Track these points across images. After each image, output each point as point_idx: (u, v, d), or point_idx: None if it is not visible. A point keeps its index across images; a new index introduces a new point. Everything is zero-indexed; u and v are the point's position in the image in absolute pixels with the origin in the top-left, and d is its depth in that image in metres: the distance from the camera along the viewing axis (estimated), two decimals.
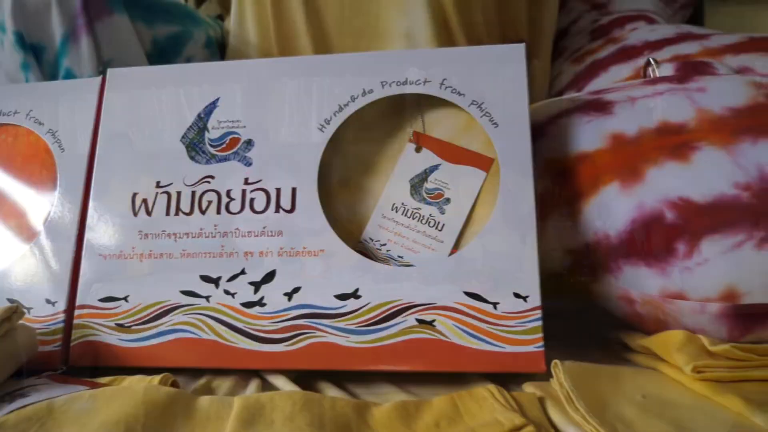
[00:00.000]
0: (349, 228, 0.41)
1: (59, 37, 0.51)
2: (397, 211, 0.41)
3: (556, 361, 0.35)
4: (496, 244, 0.37)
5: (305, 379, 0.38)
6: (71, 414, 0.31)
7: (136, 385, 0.34)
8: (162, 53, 0.58)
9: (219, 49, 0.65)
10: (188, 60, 0.61)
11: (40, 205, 0.43)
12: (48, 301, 0.41)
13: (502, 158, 0.39)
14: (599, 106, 0.43)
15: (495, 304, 0.36)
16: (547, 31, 0.67)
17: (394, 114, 0.43)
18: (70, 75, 0.51)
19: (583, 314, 0.48)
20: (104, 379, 0.37)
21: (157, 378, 0.36)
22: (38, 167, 0.44)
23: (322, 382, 0.38)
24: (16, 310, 0.37)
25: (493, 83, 0.40)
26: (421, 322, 0.37)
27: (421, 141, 0.42)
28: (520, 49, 0.41)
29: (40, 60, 0.51)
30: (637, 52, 0.62)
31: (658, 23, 0.71)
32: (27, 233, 0.43)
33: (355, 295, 0.38)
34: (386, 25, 0.58)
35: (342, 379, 0.39)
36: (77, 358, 0.39)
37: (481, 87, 0.40)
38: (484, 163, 0.40)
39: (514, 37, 0.62)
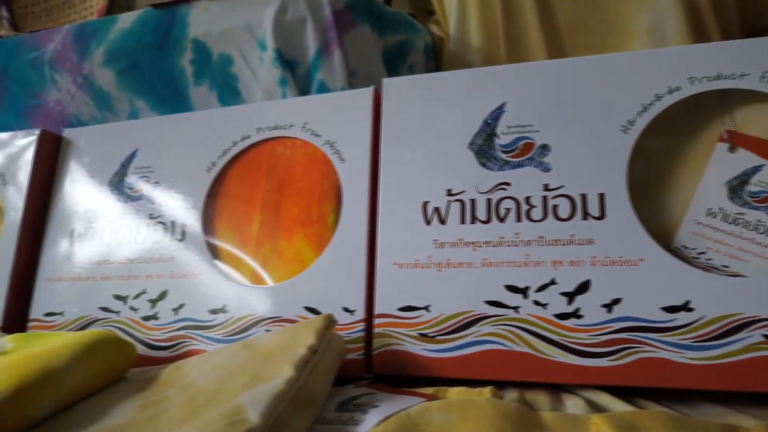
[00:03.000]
0: (655, 235, 0.38)
1: (313, 52, 0.52)
2: (714, 217, 0.38)
3: None
4: None
5: (618, 396, 0.36)
6: (436, 425, 0.30)
7: (478, 398, 0.34)
8: (390, 62, 0.59)
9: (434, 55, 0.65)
10: (411, 68, 0.61)
11: (325, 214, 0.44)
12: (346, 310, 0.41)
13: None
14: None
15: None
16: None
17: (694, 111, 0.40)
18: (323, 88, 0.52)
19: None
20: (426, 389, 0.36)
21: (486, 390, 0.35)
22: (319, 178, 0.45)
23: (639, 399, 0.36)
24: (332, 319, 0.38)
25: None
26: None
27: (735, 140, 0.39)
28: None
29: (294, 75, 0.53)
30: None
31: None
32: (315, 242, 0.44)
33: (686, 307, 0.35)
34: (625, 21, 0.55)
35: (658, 397, 0.36)
36: (380, 367, 0.40)
37: None
38: None
39: (761, 28, 0.57)
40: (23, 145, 0.54)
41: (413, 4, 0.74)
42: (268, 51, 0.52)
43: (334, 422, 0.32)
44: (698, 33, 0.53)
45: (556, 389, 0.38)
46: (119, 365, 0.41)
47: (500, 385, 0.38)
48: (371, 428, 0.30)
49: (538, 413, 0.32)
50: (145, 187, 0.50)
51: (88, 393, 0.38)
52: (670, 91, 0.39)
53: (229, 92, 0.55)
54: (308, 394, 0.33)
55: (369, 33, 0.55)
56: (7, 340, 0.43)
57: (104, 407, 0.36)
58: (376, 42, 0.56)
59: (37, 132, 0.54)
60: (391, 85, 0.45)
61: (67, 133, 0.55)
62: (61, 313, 0.49)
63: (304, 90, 0.53)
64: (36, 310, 0.50)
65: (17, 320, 0.50)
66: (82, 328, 0.48)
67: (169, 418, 0.33)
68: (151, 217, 0.49)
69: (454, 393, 0.36)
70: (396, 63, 0.59)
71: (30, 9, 1.19)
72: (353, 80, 0.53)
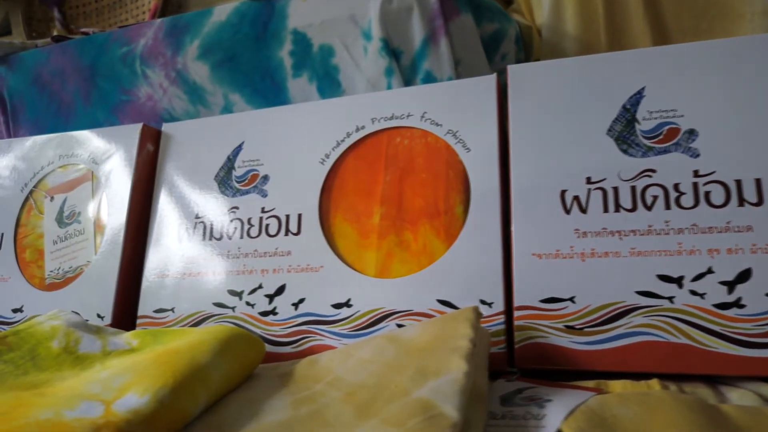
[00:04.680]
0: None
1: (419, 41, 0.51)
2: None
3: None
4: None
5: None
6: (625, 419, 0.29)
7: (654, 391, 0.32)
8: (485, 51, 0.58)
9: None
10: (503, 58, 0.60)
11: (453, 205, 0.43)
12: (483, 302, 0.40)
13: None
14: None
15: None
16: None
17: None
18: (430, 77, 0.51)
19: None
20: (586, 383, 0.35)
21: (652, 382, 0.34)
22: (444, 168, 0.44)
23: None
24: (479, 311, 0.37)
25: None
26: None
27: None
28: None
29: (398, 65, 0.52)
30: None
31: None
32: (444, 234, 0.42)
33: None
34: (736, 4, 0.54)
35: None
36: (523, 360, 0.38)
37: None
38: None
39: None
40: (125, 140, 0.53)
41: None
42: (373, 41, 0.51)
43: (508, 417, 0.31)
44: None
45: (713, 382, 0.36)
46: (253, 361, 0.40)
47: (653, 377, 0.37)
48: (562, 422, 0.29)
49: (717, 405, 0.31)
50: (254, 180, 0.49)
51: (230, 389, 0.37)
52: None
53: (330, 84, 0.54)
54: (477, 387, 0.32)
55: (471, 21, 0.54)
56: (131, 337, 0.43)
57: (253, 404, 0.35)
58: (476, 31, 0.55)
59: (139, 127, 0.53)
60: (518, 71, 0.44)
61: (166, 127, 0.54)
62: (171, 310, 0.49)
63: (408, 80, 0.52)
64: (145, 307, 0.50)
65: (127, 317, 0.50)
66: (195, 324, 0.47)
67: (333, 414, 0.32)
68: (264, 210, 0.48)
69: (619, 386, 0.34)
70: (490, 52, 0.58)
71: (81, 9, 1.19)
72: (459, 69, 0.52)
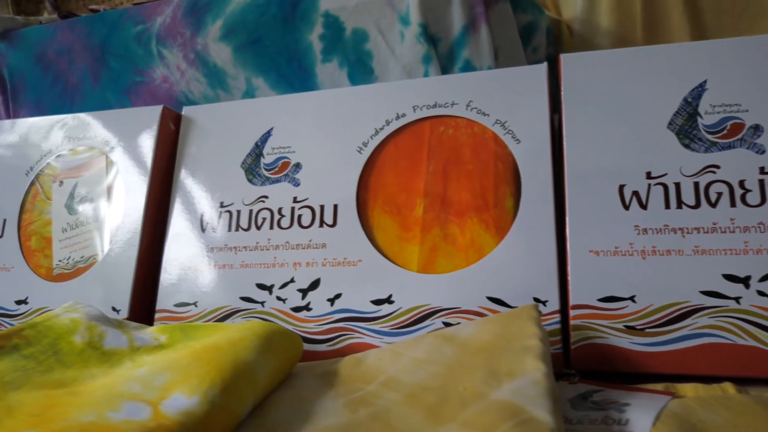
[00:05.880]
0: None
1: (458, 28, 0.49)
2: None
3: None
4: None
5: None
6: (713, 425, 0.28)
7: (738, 395, 0.31)
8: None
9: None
10: (535, 50, 0.58)
11: (502, 198, 0.41)
12: (537, 300, 0.38)
13: None
14: None
15: None
16: None
17: None
18: (469, 66, 0.49)
19: None
20: (654, 385, 0.34)
21: (726, 386, 0.33)
22: (492, 159, 0.42)
23: None
24: (539, 309, 0.35)
25: None
26: None
27: None
28: None
29: (435, 52, 0.50)
30: None
31: None
32: (494, 228, 0.41)
33: None
34: None
35: None
36: (579, 362, 0.37)
37: None
38: None
39: None
40: (144, 122, 0.50)
41: None
42: (411, 26, 0.49)
43: (586, 421, 0.29)
44: None
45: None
46: (293, 358, 0.38)
47: (719, 381, 0.36)
48: (651, 429, 0.27)
49: None
50: (285, 168, 0.46)
51: (273, 388, 0.35)
52: None
53: (362, 70, 0.52)
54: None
55: (509, 10, 0.52)
56: (157, 332, 0.40)
57: (302, 405, 0.33)
58: (514, 20, 0.53)
59: (159, 109, 0.50)
60: (572, 61, 0.42)
61: (187, 111, 0.51)
62: (194, 304, 0.46)
63: (445, 69, 0.50)
64: (164, 300, 0.46)
65: (144, 311, 0.47)
66: (221, 320, 0.45)
67: (399, 418, 0.30)
68: (296, 200, 0.45)
69: (690, 389, 0.33)
70: (523, 44, 0.57)
71: None
72: (499, 59, 0.50)
